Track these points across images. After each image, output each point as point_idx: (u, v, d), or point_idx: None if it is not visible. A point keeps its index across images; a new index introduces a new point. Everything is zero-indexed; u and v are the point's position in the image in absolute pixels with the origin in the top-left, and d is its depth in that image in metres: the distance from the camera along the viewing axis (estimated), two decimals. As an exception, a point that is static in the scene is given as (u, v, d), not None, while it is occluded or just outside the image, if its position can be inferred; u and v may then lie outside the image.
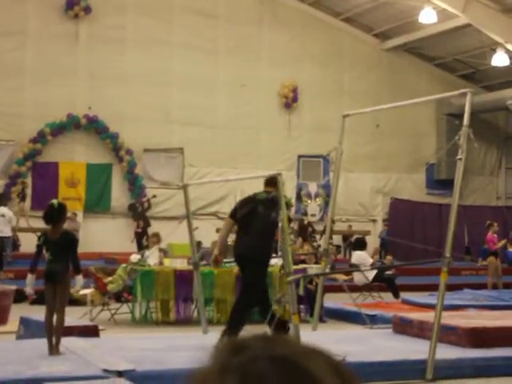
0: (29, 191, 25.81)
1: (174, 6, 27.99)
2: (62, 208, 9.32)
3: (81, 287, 9.54)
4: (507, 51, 27.24)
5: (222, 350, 1.20)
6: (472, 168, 31.30)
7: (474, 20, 26.05)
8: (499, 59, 27.86)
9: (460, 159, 8.23)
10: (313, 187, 30.01)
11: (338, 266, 21.62)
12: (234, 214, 10.00)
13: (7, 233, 19.79)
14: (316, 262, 15.13)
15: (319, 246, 19.61)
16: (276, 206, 9.28)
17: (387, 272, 17.22)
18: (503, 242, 20.74)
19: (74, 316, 11.60)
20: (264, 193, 9.91)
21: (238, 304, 10.03)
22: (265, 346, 1.18)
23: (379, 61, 30.84)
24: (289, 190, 27.92)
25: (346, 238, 28.87)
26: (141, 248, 23.34)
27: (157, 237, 15.23)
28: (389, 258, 20.64)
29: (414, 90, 28.59)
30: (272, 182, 9.73)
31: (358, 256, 17.28)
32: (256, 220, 9.51)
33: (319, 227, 27.07)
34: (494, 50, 27.96)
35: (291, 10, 29.54)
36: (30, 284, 9.59)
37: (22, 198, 25.50)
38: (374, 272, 16.38)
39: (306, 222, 25.99)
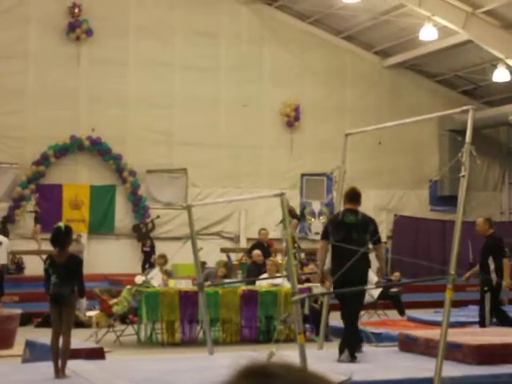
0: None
1: (175, 27, 28.12)
2: (68, 231, 9.36)
3: (85, 310, 9.54)
4: (508, 67, 27.31)
5: (250, 376, 1.22)
6: (475, 184, 31.30)
7: (475, 36, 26.14)
8: (500, 75, 27.93)
9: (463, 176, 8.24)
10: (316, 205, 30.02)
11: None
12: (326, 236, 10.17)
13: (4, 260, 19.77)
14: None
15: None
16: (367, 228, 9.88)
17: (392, 289, 17.20)
18: None
19: (79, 338, 11.59)
20: (352, 215, 10.01)
21: (352, 324, 10.11)
22: (293, 377, 1.20)
23: (380, 78, 30.93)
24: (292, 209, 27.94)
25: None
26: (149, 266, 23.35)
27: (163, 258, 15.24)
28: (396, 274, 20.59)
29: (416, 107, 28.66)
30: (355, 197, 10.16)
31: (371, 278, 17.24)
32: (352, 244, 9.66)
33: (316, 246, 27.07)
34: (494, 66, 28.04)
35: (292, 28, 29.67)
36: None
37: (36, 220, 25.58)
38: (380, 290, 16.34)
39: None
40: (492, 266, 13.22)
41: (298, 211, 29.05)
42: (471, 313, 16.93)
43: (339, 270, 9.61)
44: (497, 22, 25.81)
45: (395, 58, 30.58)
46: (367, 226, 9.99)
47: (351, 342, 9.98)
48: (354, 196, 10.26)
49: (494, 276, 13.20)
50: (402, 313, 16.95)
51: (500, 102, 30.49)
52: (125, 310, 13.97)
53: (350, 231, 9.91)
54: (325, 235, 10.26)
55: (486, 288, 12.96)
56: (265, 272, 15.21)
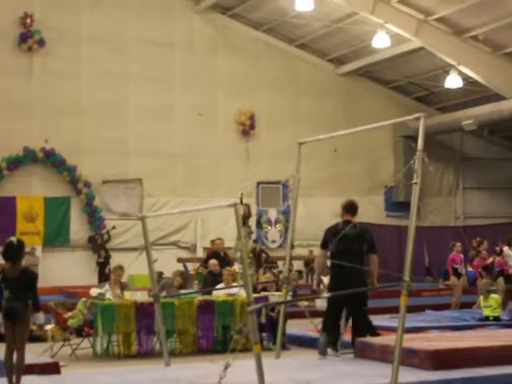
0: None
1: (129, 37, 28.00)
2: (21, 245, 9.23)
3: (41, 324, 9.42)
4: (460, 73, 27.58)
5: None
6: (430, 189, 31.60)
7: (427, 43, 26.39)
8: (452, 81, 28.20)
9: (415, 183, 8.28)
10: (273, 213, 30.07)
11: (300, 291, 21.63)
12: (326, 245, 10.68)
13: None
14: (277, 289, 15.12)
15: (280, 272, 19.61)
16: (365, 239, 10.52)
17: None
18: (491, 258, 20.87)
19: (34, 353, 11.43)
20: (352, 227, 10.48)
21: (364, 323, 10.78)
22: None
23: (335, 86, 31.07)
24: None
25: (307, 263, 28.87)
26: (103, 278, 23.19)
27: (121, 269, 15.10)
28: None
29: (371, 114, 28.85)
30: (352, 209, 10.72)
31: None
32: (353, 256, 10.33)
33: (278, 253, 27.12)
34: (447, 72, 28.31)
35: (246, 37, 29.71)
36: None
37: None
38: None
39: (257, 249, 25.92)
40: None
41: (253, 220, 29.14)
42: (428, 317, 17.05)
43: (339, 279, 10.42)
44: (448, 29, 26.08)
45: (349, 66, 30.76)
46: (365, 237, 10.63)
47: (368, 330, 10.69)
48: (352, 208, 10.82)
49: None
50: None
51: (453, 107, 30.79)
52: (80, 322, 13.81)
53: (350, 242, 10.44)
54: (325, 244, 10.73)
55: None
56: (222, 282, 15.16)
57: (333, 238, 10.53)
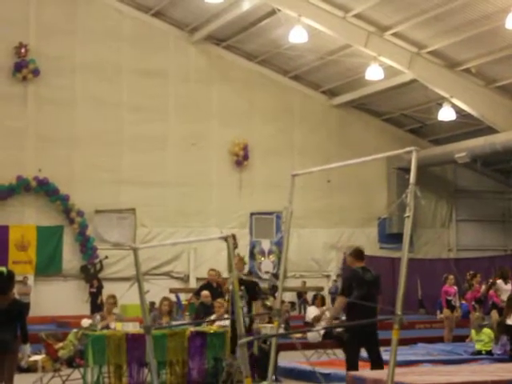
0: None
1: (123, 67, 28.09)
2: (11, 276, 9.19)
3: (28, 356, 9.34)
4: (453, 106, 27.69)
5: None
6: (423, 221, 31.62)
7: (420, 76, 26.52)
8: (445, 114, 28.28)
9: (408, 217, 8.26)
10: (266, 244, 30.02)
11: (292, 323, 21.53)
12: (349, 292, 10.77)
13: None
14: (269, 322, 15.05)
15: (271, 306, 19.56)
16: (379, 283, 10.98)
17: (337, 329, 17.18)
18: (484, 288, 20.85)
19: (24, 384, 11.35)
20: (369, 273, 10.93)
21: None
22: None
23: (328, 117, 31.18)
24: (242, 248, 27.84)
25: (300, 294, 28.79)
26: (95, 308, 23.05)
27: (113, 298, 15.01)
28: None
29: (364, 145, 28.98)
30: (363, 255, 11.08)
31: (311, 313, 17.27)
32: (373, 300, 10.67)
33: (265, 285, 27.10)
34: (440, 105, 28.42)
35: (240, 68, 29.83)
36: None
37: None
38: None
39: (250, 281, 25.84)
40: None
41: (247, 250, 29.12)
42: (420, 351, 16.97)
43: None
44: (441, 62, 26.24)
45: (342, 97, 30.88)
46: (379, 281, 11.07)
47: None
48: (362, 255, 11.13)
49: None
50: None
51: (446, 140, 30.88)
52: (71, 353, 13.73)
53: (369, 288, 10.77)
54: (348, 291, 10.83)
55: None
56: (214, 313, 15.08)
57: (355, 284, 10.78)
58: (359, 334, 10.77)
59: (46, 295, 26.10)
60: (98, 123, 27.40)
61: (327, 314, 12.51)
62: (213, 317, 14.75)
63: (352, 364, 11.06)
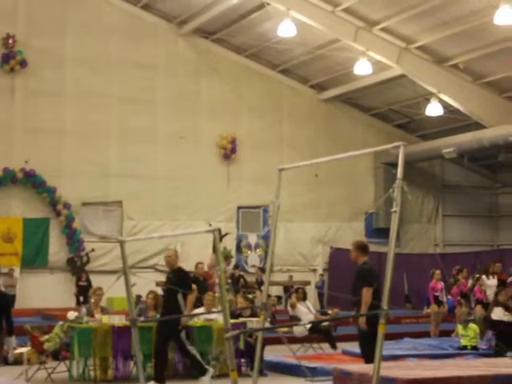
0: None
1: (112, 59, 27.99)
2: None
3: (14, 348, 9.31)
4: (441, 101, 27.73)
5: None
6: (410, 216, 31.68)
7: (408, 71, 26.55)
8: (433, 109, 28.32)
9: (395, 212, 8.27)
10: (253, 238, 30.01)
11: (278, 317, 21.54)
12: (372, 284, 10.68)
13: None
14: (252, 315, 15.07)
15: (254, 297, 19.58)
16: None
17: (323, 323, 17.24)
18: (470, 282, 20.94)
19: (9, 377, 11.32)
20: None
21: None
22: None
23: (317, 111, 31.18)
24: (229, 242, 27.89)
25: (286, 288, 28.79)
26: (85, 301, 22.96)
27: (100, 290, 15.02)
28: (335, 310, 20.61)
29: (352, 140, 29.03)
30: (367, 249, 11.19)
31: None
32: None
33: (252, 278, 27.18)
34: (428, 100, 28.45)
35: (229, 61, 29.78)
36: None
37: None
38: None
39: (237, 274, 25.93)
40: None
41: (233, 244, 29.11)
42: (406, 345, 17.02)
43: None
44: (429, 57, 26.27)
45: (331, 92, 30.89)
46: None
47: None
48: (368, 248, 11.28)
49: None
50: (333, 346, 17.04)
51: (434, 135, 30.96)
52: (57, 346, 13.70)
53: (378, 279, 10.75)
54: (371, 283, 10.74)
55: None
56: (200, 307, 15.08)
57: (375, 277, 10.80)
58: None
59: (32, 287, 26.02)
60: (86, 115, 27.31)
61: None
62: (201, 310, 14.75)
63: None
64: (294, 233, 29.66)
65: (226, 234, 25.04)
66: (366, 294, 10.73)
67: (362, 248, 11.12)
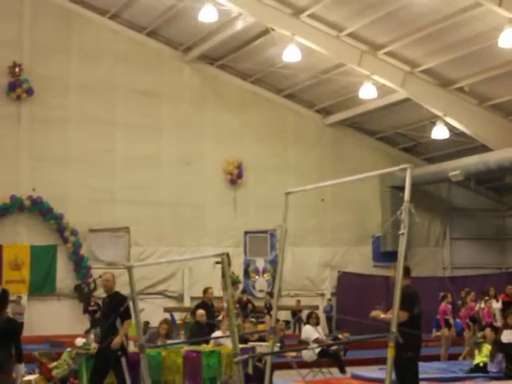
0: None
1: (117, 86, 28.10)
2: (5, 295, 9.15)
3: (22, 375, 9.29)
4: (446, 124, 27.76)
5: None
6: (417, 239, 31.62)
7: (413, 94, 26.61)
8: (439, 132, 28.32)
9: (402, 234, 8.26)
10: (260, 263, 29.97)
11: (287, 341, 21.48)
12: (410, 309, 10.54)
13: None
14: (259, 339, 15.03)
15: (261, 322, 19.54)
16: None
17: (332, 347, 17.17)
18: (478, 306, 20.89)
19: (17, 404, 11.26)
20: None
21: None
22: None
23: (322, 136, 31.24)
24: (236, 267, 27.87)
25: (294, 313, 28.73)
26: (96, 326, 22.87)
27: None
28: (345, 335, 20.56)
29: (358, 164, 29.01)
30: (410, 272, 10.92)
31: (306, 331, 17.24)
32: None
33: (260, 303, 27.13)
34: (433, 123, 28.47)
35: (234, 87, 29.89)
36: None
37: None
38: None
39: (245, 298, 25.87)
40: None
41: (241, 269, 29.09)
42: (415, 369, 16.88)
43: (419, 338, 10.77)
44: (434, 81, 26.34)
45: (336, 116, 30.96)
46: None
47: None
48: (410, 271, 11.05)
49: None
50: (342, 370, 16.94)
51: (440, 158, 30.94)
52: (65, 373, 13.66)
53: (419, 305, 10.73)
54: (412, 308, 10.60)
55: None
56: (209, 333, 15.05)
57: (417, 301, 10.72)
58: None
59: (39, 314, 25.97)
60: (91, 142, 27.38)
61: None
62: (219, 333, 14.71)
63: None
64: (301, 257, 29.62)
65: (218, 262, 24.90)
66: (401, 317, 10.74)
67: (408, 271, 11.02)
